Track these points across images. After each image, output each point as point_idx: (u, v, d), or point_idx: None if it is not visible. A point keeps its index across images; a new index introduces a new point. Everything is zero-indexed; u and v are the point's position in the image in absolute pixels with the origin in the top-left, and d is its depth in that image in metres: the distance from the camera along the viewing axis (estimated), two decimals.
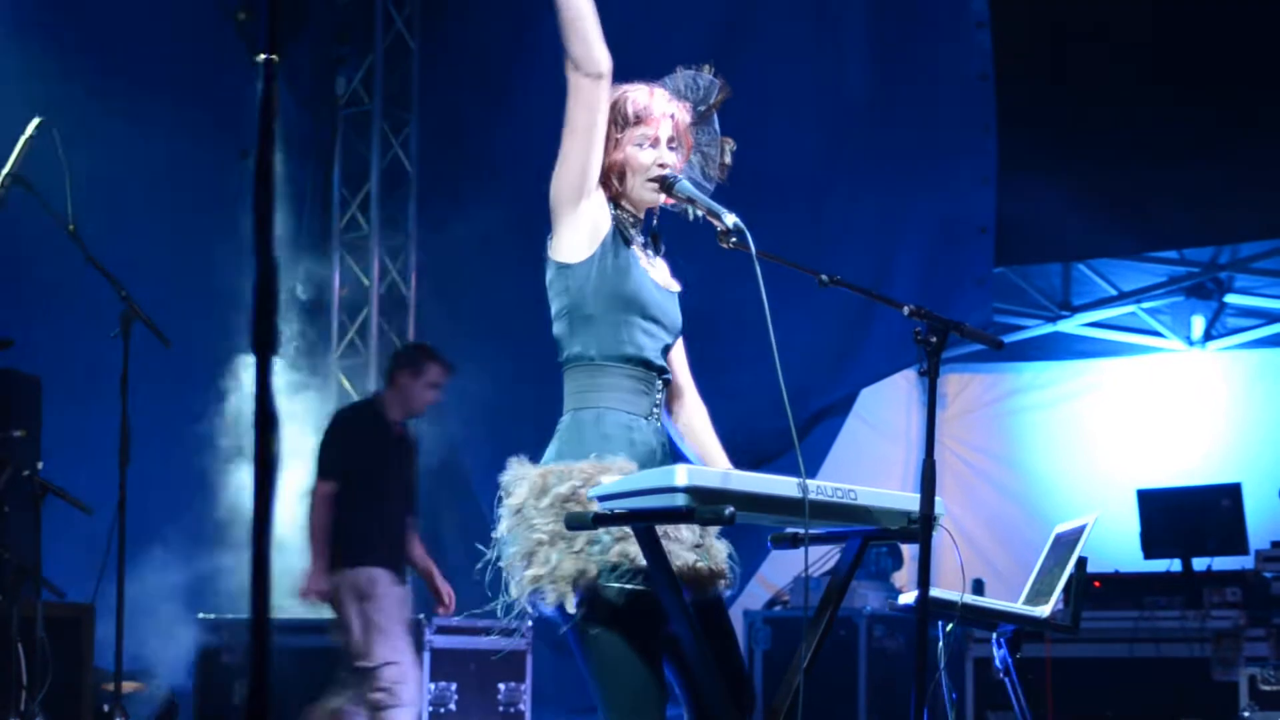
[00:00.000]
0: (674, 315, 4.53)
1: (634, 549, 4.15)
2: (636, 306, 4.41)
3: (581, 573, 4.16)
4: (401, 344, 9.72)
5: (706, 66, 4.66)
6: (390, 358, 8.68)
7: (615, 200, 4.52)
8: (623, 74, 4.54)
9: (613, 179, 4.49)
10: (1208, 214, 9.98)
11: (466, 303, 10.78)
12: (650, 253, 4.58)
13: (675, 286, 4.59)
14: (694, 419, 4.73)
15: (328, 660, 8.82)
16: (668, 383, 4.52)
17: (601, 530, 4.15)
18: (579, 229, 4.45)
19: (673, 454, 4.50)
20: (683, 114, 4.56)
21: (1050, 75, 9.74)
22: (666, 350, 4.51)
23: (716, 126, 4.68)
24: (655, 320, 4.45)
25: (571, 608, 4.16)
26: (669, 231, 4.68)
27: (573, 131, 4.38)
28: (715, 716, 4.26)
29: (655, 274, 4.53)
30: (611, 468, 4.24)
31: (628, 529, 4.12)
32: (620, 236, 4.47)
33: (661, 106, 4.51)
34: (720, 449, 4.71)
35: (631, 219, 4.53)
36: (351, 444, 8.27)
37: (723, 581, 4.42)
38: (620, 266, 4.42)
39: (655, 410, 4.45)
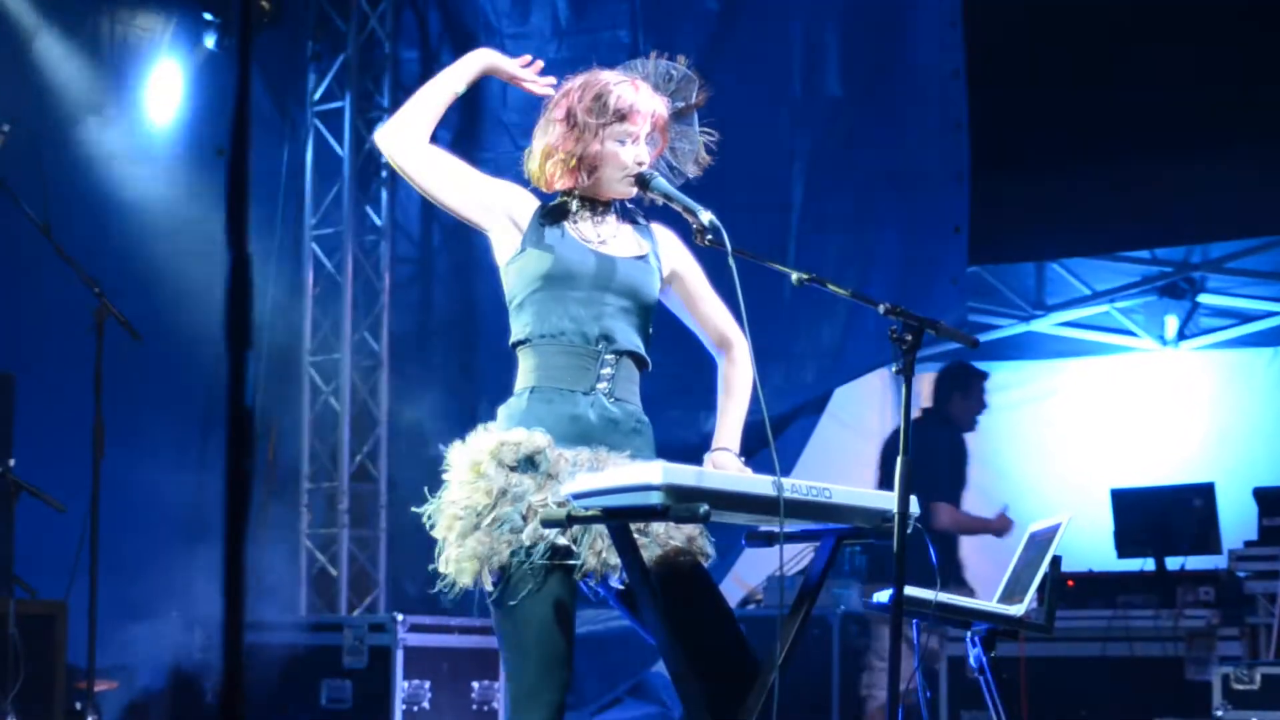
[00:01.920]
0: (630, 279, 4.52)
1: (549, 530, 4.18)
2: (565, 281, 4.44)
3: (492, 552, 4.19)
4: (950, 366, 10.16)
5: (681, 58, 4.66)
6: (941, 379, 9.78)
7: (578, 188, 4.54)
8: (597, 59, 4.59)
9: (583, 170, 4.50)
10: (1181, 213, 9.99)
11: (439, 299, 10.77)
12: (614, 222, 4.59)
13: (639, 251, 4.60)
14: (728, 386, 4.76)
15: (301, 657, 8.82)
16: (626, 353, 4.50)
17: (510, 509, 4.18)
18: (498, 238, 4.57)
19: (633, 430, 4.48)
20: (663, 110, 4.56)
21: (1023, 73, 9.74)
22: (630, 315, 4.51)
23: (695, 120, 4.68)
24: (595, 288, 4.45)
25: (489, 585, 4.22)
26: None
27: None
28: (692, 716, 4.26)
29: (606, 245, 4.54)
30: (523, 441, 4.29)
31: (543, 510, 4.18)
32: (549, 220, 4.50)
33: (646, 104, 4.51)
34: (735, 424, 4.71)
35: (590, 201, 4.55)
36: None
37: (689, 555, 4.41)
38: (545, 248, 4.48)
39: (603, 384, 4.44)
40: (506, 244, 4.55)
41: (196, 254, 9.50)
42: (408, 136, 4.57)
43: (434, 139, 4.61)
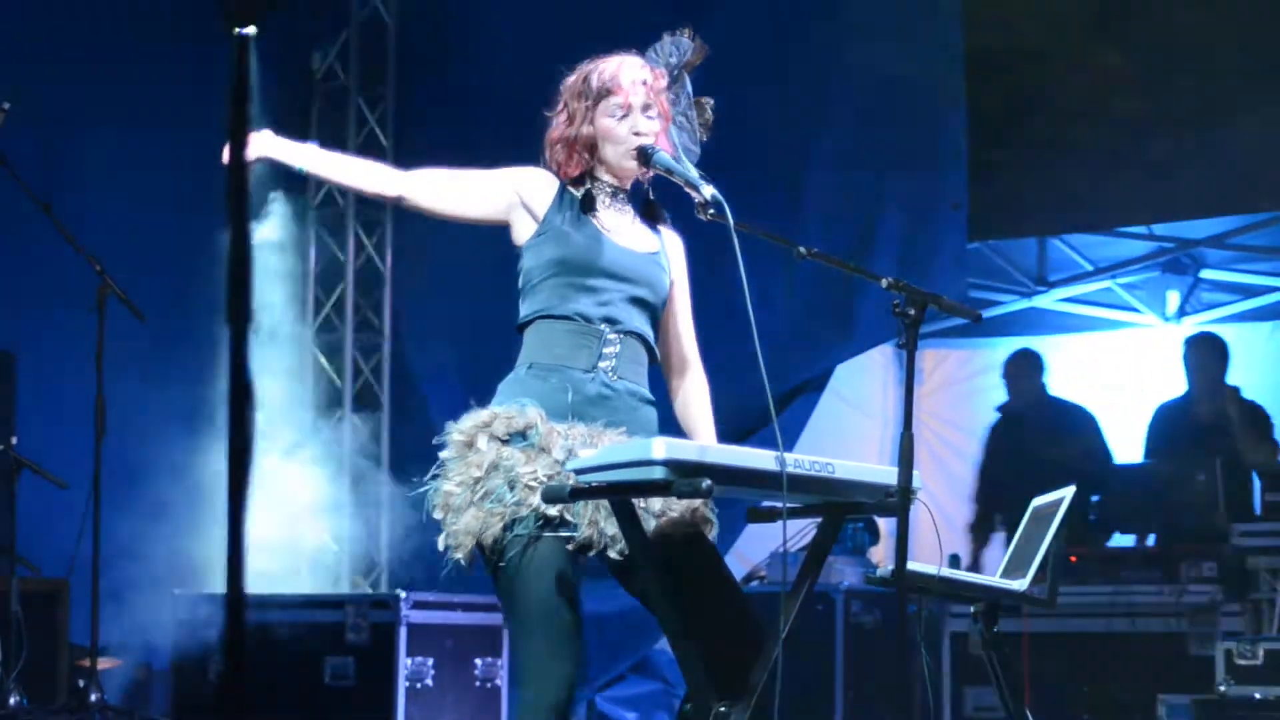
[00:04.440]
0: (643, 272, 4.56)
1: (538, 499, 4.21)
2: (577, 267, 4.48)
3: (485, 526, 4.22)
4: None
5: (686, 30, 4.67)
6: None
7: (590, 171, 4.57)
8: (594, 44, 4.60)
9: (582, 152, 4.53)
10: (1184, 189, 9.98)
11: (442, 277, 10.76)
12: (632, 215, 4.61)
13: (652, 247, 4.61)
14: (690, 397, 4.77)
15: (304, 635, 8.81)
16: (631, 333, 4.52)
17: (499, 481, 4.19)
18: (516, 224, 4.58)
19: (633, 408, 4.49)
20: (656, 80, 4.57)
21: (1023, 49, 9.73)
22: (641, 305, 4.53)
23: (689, 89, 4.69)
24: (608, 276, 4.48)
25: (463, 556, 4.26)
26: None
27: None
28: (696, 691, 4.27)
29: (622, 235, 4.57)
30: (515, 415, 4.32)
31: (534, 483, 4.20)
32: (568, 205, 4.51)
33: (630, 74, 4.54)
34: (710, 431, 4.72)
35: (610, 187, 4.57)
36: None
37: (690, 528, 4.44)
38: (561, 233, 4.51)
39: (605, 363, 4.46)
40: (524, 227, 4.58)
41: (199, 232, 9.50)
42: (382, 189, 4.64)
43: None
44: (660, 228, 4.72)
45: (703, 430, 4.71)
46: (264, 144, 4.53)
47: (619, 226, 4.58)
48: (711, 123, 4.70)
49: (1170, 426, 10.51)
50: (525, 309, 4.54)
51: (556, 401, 4.38)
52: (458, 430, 4.35)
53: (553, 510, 4.23)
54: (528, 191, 4.57)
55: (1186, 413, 10.49)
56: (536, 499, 4.22)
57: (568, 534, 4.26)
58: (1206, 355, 10.46)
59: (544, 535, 4.23)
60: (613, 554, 4.30)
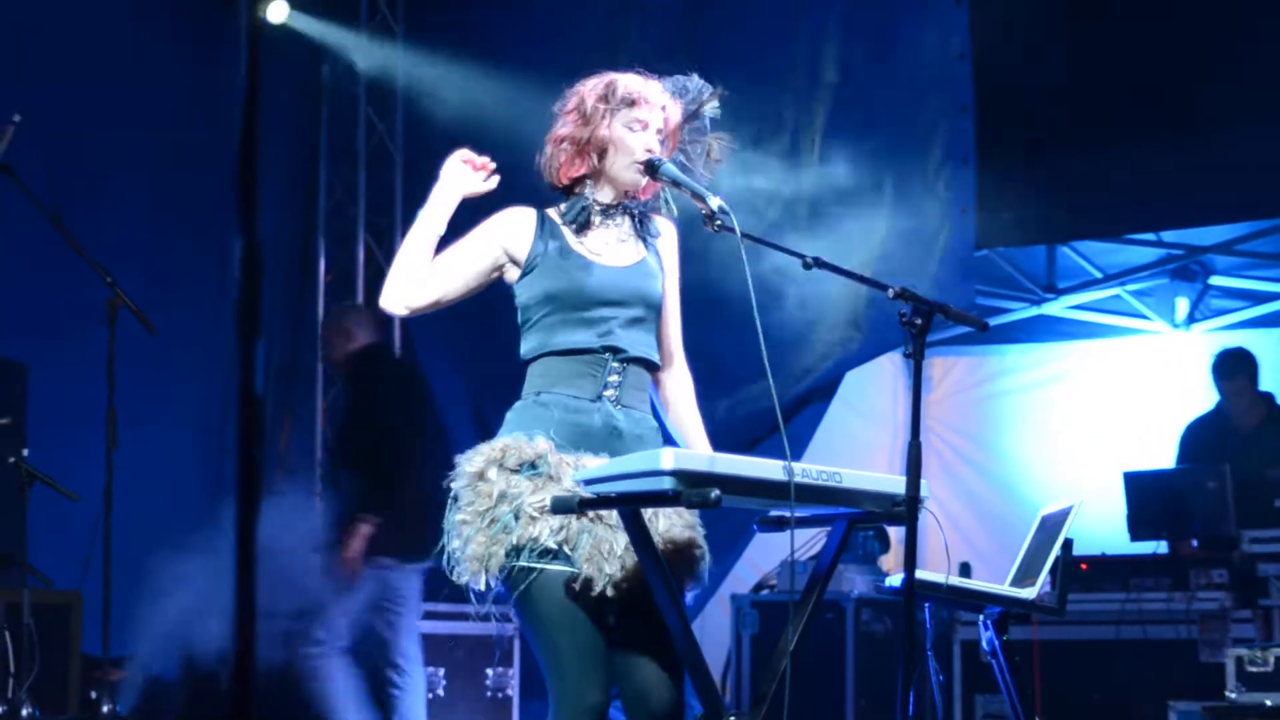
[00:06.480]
0: (635, 288, 4.57)
1: (539, 530, 4.23)
2: (570, 300, 4.50)
3: (490, 554, 4.24)
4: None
5: (694, 75, 4.70)
6: None
7: (589, 178, 4.58)
8: (595, 54, 4.61)
9: (591, 155, 4.55)
10: (1193, 196, 9.97)
11: None
12: (623, 229, 4.61)
13: (640, 255, 4.62)
14: (676, 393, 4.77)
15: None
16: (634, 360, 4.53)
17: (506, 510, 4.22)
18: (506, 273, 4.62)
19: (638, 436, 4.50)
20: (674, 110, 4.60)
21: (1030, 55, 9.72)
22: (639, 323, 4.54)
23: (707, 124, 4.70)
24: (603, 303, 4.50)
25: (481, 585, 4.28)
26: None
27: None
28: (706, 701, 4.27)
29: (609, 256, 4.58)
30: (524, 446, 4.33)
31: (538, 513, 4.23)
32: (550, 233, 4.53)
33: (655, 96, 4.58)
34: (698, 425, 4.73)
35: (600, 207, 4.57)
36: None
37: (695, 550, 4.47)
38: (548, 268, 4.53)
39: (609, 392, 4.48)
40: (513, 271, 4.62)
41: (209, 243, 9.52)
42: (406, 300, 4.57)
43: None
44: (653, 219, 4.72)
45: (690, 426, 4.73)
46: (461, 180, 4.66)
47: (606, 245, 4.60)
48: (719, 161, 4.71)
49: (1204, 441, 10.45)
50: (527, 344, 4.57)
51: (564, 431, 4.40)
52: (469, 463, 4.36)
53: (551, 543, 4.24)
54: (510, 241, 4.58)
55: (1222, 427, 10.44)
56: (538, 529, 4.23)
57: (563, 566, 4.26)
58: (1238, 370, 10.40)
59: (544, 568, 4.24)
60: (610, 592, 4.27)
